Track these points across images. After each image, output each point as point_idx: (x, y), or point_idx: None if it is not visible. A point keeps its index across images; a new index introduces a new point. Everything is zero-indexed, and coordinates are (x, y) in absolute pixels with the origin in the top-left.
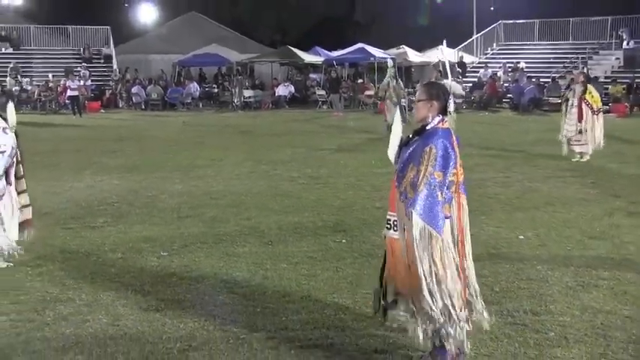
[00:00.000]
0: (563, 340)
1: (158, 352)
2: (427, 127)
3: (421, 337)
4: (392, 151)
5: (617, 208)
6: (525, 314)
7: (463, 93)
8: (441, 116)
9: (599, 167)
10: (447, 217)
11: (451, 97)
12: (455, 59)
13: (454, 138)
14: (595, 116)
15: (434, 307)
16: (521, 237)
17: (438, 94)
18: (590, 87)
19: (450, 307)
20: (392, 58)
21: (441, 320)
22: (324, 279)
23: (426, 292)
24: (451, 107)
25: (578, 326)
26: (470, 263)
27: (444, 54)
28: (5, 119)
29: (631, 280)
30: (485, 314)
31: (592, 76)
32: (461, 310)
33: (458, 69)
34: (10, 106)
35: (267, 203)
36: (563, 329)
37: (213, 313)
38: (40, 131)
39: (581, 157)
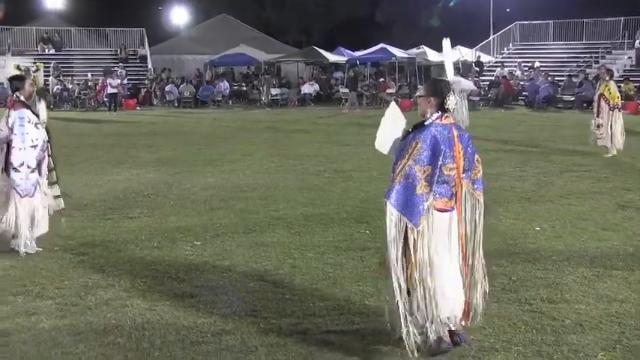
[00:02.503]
0: (579, 327)
1: (193, 335)
2: (425, 123)
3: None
4: (381, 144)
5: (629, 201)
6: (542, 302)
7: (475, 89)
8: (439, 112)
9: (613, 162)
10: (442, 211)
11: (455, 93)
12: (472, 58)
13: (456, 133)
14: (611, 112)
15: (398, 298)
16: (538, 228)
17: (436, 90)
18: (610, 83)
19: (417, 300)
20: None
21: (405, 313)
22: (349, 268)
23: (394, 283)
24: (451, 104)
25: (593, 314)
26: (474, 260)
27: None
28: (37, 115)
29: None
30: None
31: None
32: (437, 309)
33: (476, 67)
34: (42, 104)
35: (294, 196)
36: (578, 317)
37: (244, 300)
38: (80, 127)
39: (607, 153)
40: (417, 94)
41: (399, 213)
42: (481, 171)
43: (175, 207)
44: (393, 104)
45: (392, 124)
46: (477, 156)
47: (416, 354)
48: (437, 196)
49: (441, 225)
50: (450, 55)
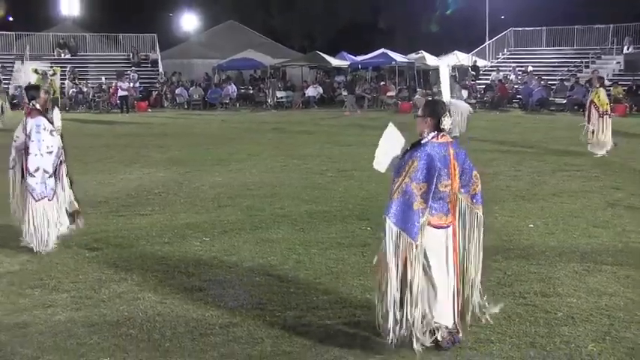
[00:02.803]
0: (570, 320)
1: (202, 327)
2: (422, 141)
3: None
4: (378, 163)
5: (618, 200)
6: (535, 296)
7: (472, 111)
8: (435, 132)
9: (603, 162)
10: (438, 227)
11: (450, 115)
12: (469, 63)
13: (452, 152)
14: (601, 118)
15: (391, 310)
16: (531, 225)
17: (432, 111)
18: (599, 90)
19: (412, 312)
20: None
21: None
22: (352, 263)
23: (390, 297)
24: (446, 124)
25: (584, 307)
26: (468, 274)
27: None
28: (52, 122)
29: (633, 265)
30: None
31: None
32: (426, 317)
33: (472, 72)
34: (56, 111)
35: (298, 194)
36: (570, 309)
37: (251, 293)
38: (94, 128)
39: (597, 153)
40: (415, 113)
41: (397, 229)
42: (479, 186)
43: (185, 204)
44: (390, 125)
45: (390, 144)
46: (474, 172)
47: (394, 343)
48: (433, 211)
49: (435, 241)
50: (447, 78)
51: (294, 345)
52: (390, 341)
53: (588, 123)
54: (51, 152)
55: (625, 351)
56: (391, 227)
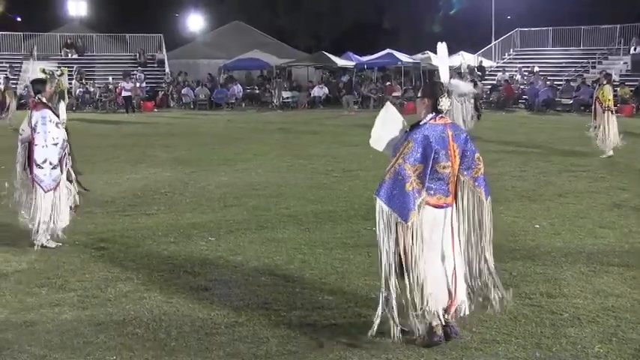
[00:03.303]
0: (577, 321)
1: (207, 326)
2: (420, 123)
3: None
4: (375, 141)
5: (625, 200)
6: (541, 296)
7: (475, 91)
8: (434, 113)
9: (609, 162)
10: (439, 207)
11: (454, 96)
12: (475, 63)
13: (450, 133)
14: (604, 114)
15: (385, 293)
16: (537, 226)
17: (430, 92)
18: (604, 87)
19: (404, 293)
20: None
21: (387, 306)
22: (357, 263)
23: (382, 279)
24: (444, 105)
25: (590, 308)
26: (468, 254)
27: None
28: (57, 115)
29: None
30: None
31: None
32: (424, 300)
33: (478, 72)
34: (62, 105)
35: (304, 194)
36: (576, 310)
37: (256, 293)
38: (101, 128)
39: (604, 153)
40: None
41: (388, 208)
42: (482, 169)
43: (191, 204)
44: (388, 104)
45: (387, 122)
46: (477, 154)
47: (399, 338)
48: (431, 192)
49: (434, 220)
50: (445, 59)
51: (299, 344)
52: (376, 316)
53: (595, 119)
54: (56, 144)
55: (632, 352)
56: (382, 207)
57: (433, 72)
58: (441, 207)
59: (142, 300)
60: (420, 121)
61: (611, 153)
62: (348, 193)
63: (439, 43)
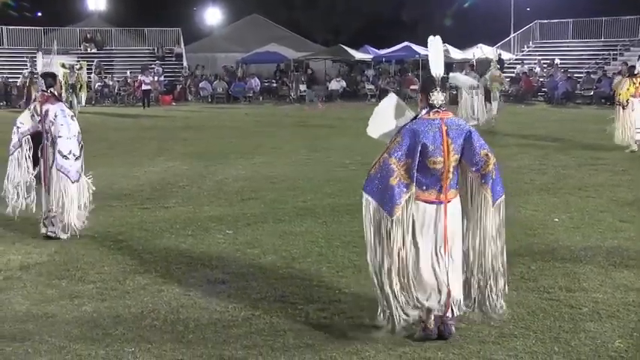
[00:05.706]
0: (596, 315)
1: (225, 319)
2: (417, 117)
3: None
4: (371, 131)
5: None
6: (560, 291)
7: (475, 83)
8: (427, 108)
9: (629, 156)
10: (431, 203)
11: (441, 90)
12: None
13: (444, 128)
14: (617, 107)
15: (376, 285)
16: (556, 220)
17: (423, 87)
18: (622, 80)
19: (392, 287)
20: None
21: (382, 300)
22: None
23: (371, 272)
24: (436, 99)
25: (610, 302)
26: (469, 258)
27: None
28: (70, 109)
29: None
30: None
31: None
32: (407, 292)
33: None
34: (75, 99)
35: (321, 187)
36: (596, 305)
37: (273, 286)
38: (119, 121)
39: (628, 147)
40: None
41: (374, 202)
42: (491, 165)
43: (208, 197)
44: (391, 94)
45: (387, 111)
46: (485, 151)
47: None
48: (423, 187)
49: (423, 215)
50: (439, 52)
51: (315, 338)
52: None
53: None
54: (75, 135)
55: None
56: (368, 200)
57: (451, 65)
58: (433, 203)
59: (160, 292)
60: (417, 115)
61: (635, 147)
62: None
63: (431, 37)
